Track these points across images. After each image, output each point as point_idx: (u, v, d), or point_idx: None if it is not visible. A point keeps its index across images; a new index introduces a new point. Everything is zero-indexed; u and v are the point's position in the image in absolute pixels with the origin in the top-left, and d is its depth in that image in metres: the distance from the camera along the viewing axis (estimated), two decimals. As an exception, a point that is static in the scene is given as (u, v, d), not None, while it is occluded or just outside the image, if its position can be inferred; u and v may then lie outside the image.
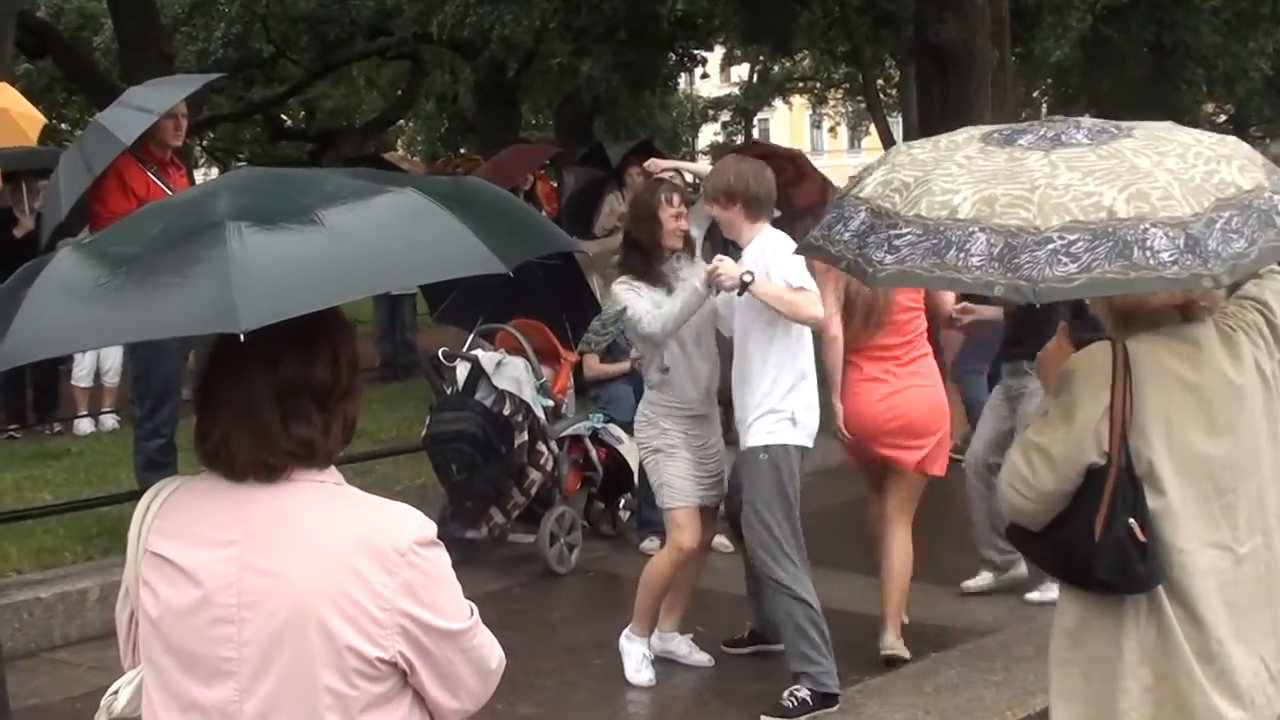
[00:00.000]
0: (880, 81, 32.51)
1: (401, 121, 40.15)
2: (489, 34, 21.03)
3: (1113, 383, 3.81)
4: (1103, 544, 3.82)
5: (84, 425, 13.51)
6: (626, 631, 7.38)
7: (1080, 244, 3.33)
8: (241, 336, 2.37)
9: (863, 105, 41.59)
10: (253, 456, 2.68)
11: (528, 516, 9.38)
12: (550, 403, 9.50)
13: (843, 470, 10.68)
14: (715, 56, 36.99)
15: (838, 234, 3.76)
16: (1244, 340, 3.93)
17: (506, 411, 9.12)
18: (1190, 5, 21.52)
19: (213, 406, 2.72)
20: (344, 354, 2.77)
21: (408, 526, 2.70)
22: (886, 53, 26.35)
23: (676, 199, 7.21)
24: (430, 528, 2.73)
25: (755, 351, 6.87)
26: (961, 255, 3.41)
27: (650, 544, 9.41)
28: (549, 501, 9.46)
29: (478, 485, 9.17)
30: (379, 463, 11.18)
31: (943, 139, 3.93)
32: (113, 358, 13.11)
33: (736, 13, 23.37)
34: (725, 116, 52.01)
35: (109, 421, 13.58)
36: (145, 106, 8.43)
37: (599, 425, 9.97)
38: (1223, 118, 38.04)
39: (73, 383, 13.51)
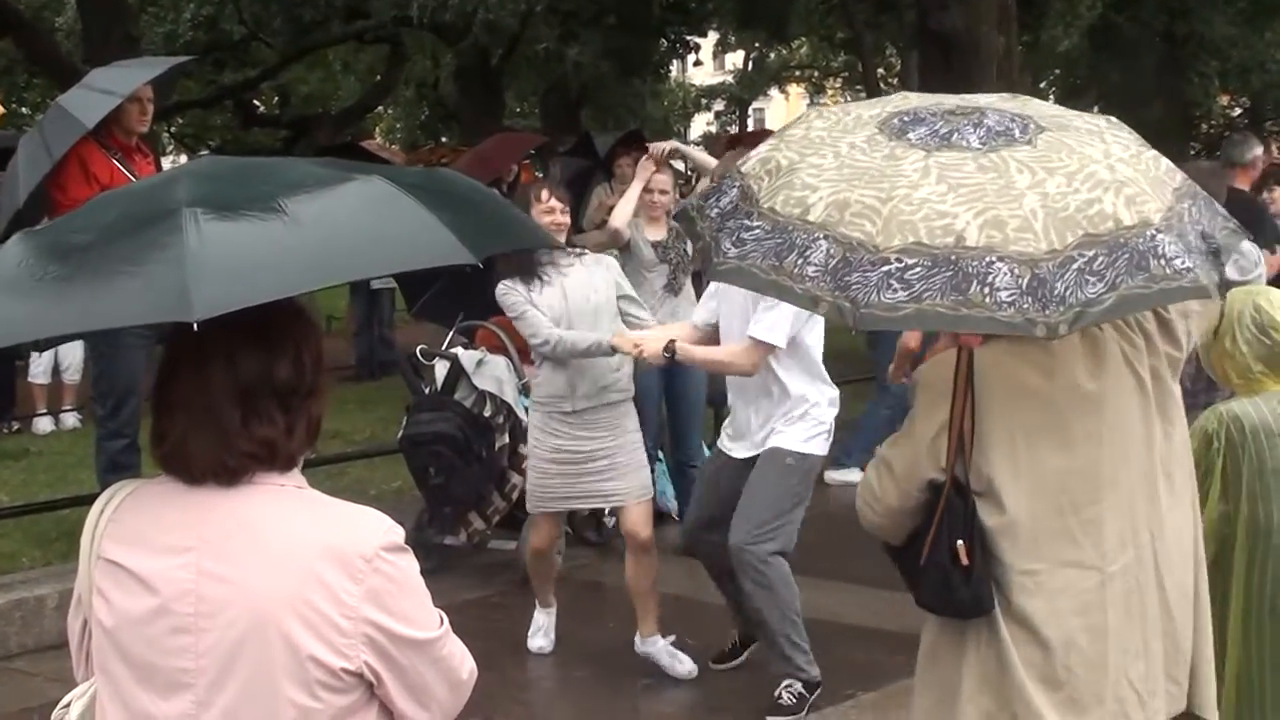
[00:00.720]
0: (881, 70, 32.64)
1: (380, 108, 40.14)
2: (472, 18, 20.98)
3: (953, 395, 3.68)
4: (926, 566, 3.74)
5: (43, 424, 13.51)
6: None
7: (917, 270, 3.16)
8: (195, 326, 2.34)
9: (863, 95, 41.67)
10: (212, 458, 2.67)
11: (509, 522, 9.36)
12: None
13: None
14: (709, 43, 37.09)
15: (710, 207, 3.62)
16: (1112, 340, 3.76)
17: (487, 412, 9.12)
18: (1205, -7, 21.55)
19: (170, 406, 2.71)
20: (308, 351, 2.76)
21: (374, 531, 2.70)
22: (887, 40, 26.44)
23: (545, 194, 7.45)
24: (398, 532, 2.73)
25: (785, 359, 6.92)
26: (800, 262, 3.28)
27: (636, 552, 9.43)
28: (531, 507, 9.45)
29: (456, 489, 9.16)
30: (352, 465, 11.20)
31: (853, 110, 3.77)
32: (72, 354, 13.08)
33: (732, -3, 23.42)
34: (719, 106, 52.16)
35: (69, 420, 13.58)
36: (109, 89, 8.41)
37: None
38: (1237, 111, 38.10)
39: (30, 379, 13.49)
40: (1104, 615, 3.70)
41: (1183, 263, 3.24)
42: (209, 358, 2.65)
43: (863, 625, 7.85)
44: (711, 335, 7.05)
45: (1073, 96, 35.35)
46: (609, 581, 8.96)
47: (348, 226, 2.60)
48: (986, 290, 3.11)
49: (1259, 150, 11.11)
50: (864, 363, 12.87)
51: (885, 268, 3.16)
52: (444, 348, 9.49)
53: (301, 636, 2.62)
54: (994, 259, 3.14)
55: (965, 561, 3.66)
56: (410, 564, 2.74)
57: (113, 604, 2.71)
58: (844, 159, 3.45)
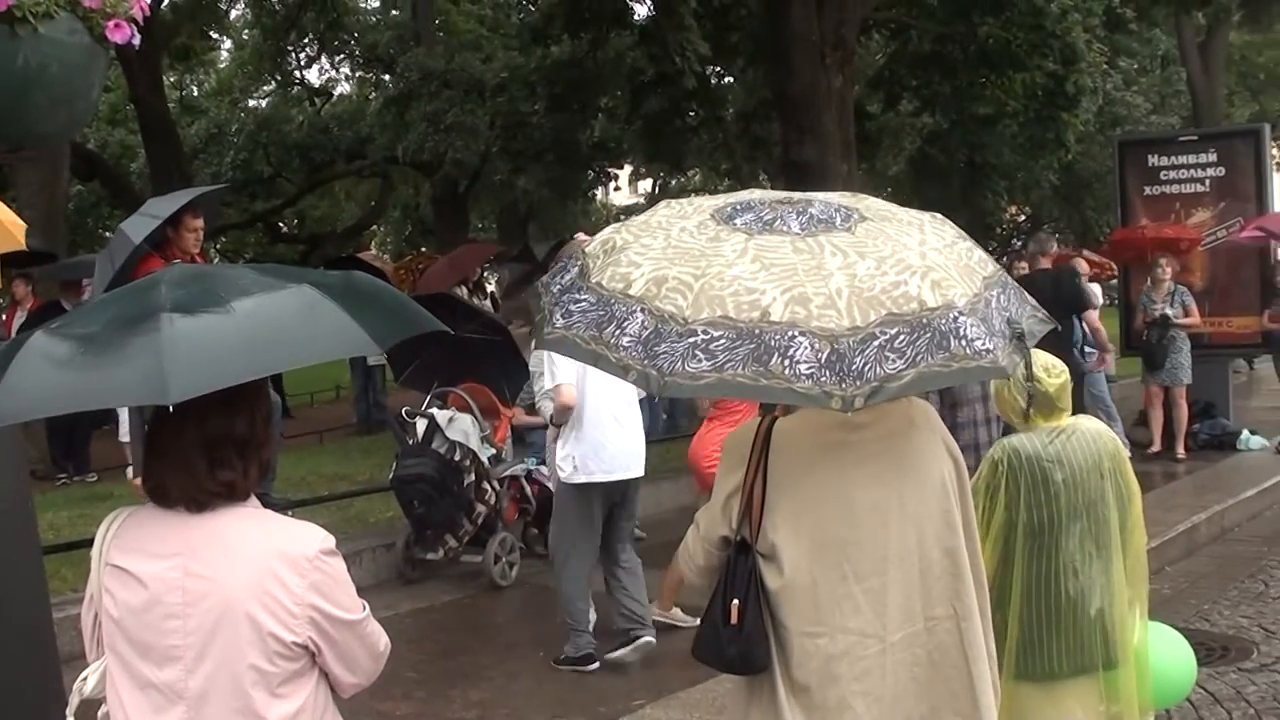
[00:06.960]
0: (755, 192, 32.72)
1: (374, 227, 40.05)
2: (444, 157, 21.07)
3: (749, 461, 3.15)
4: (703, 620, 3.22)
5: (128, 473, 13.39)
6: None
7: (722, 341, 2.68)
8: (170, 407, 2.38)
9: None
10: (186, 495, 2.74)
11: (476, 541, 9.39)
12: (493, 450, 9.49)
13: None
14: (625, 173, 37.27)
15: (554, 283, 3.08)
16: (921, 413, 3.26)
17: (457, 458, 9.12)
18: (994, 132, 21.90)
19: (155, 453, 2.77)
20: (260, 411, 2.81)
21: (314, 538, 2.78)
22: (760, 169, 26.66)
23: None
24: (330, 540, 2.80)
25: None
26: (617, 333, 2.79)
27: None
28: (493, 529, 9.48)
29: (435, 517, 9.16)
30: (356, 500, 11.15)
31: (698, 201, 3.26)
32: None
33: (641, 139, 23.69)
34: (634, 220, 52.28)
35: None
36: (155, 214, 8.38)
37: (532, 467, 10.02)
38: (1022, 217, 38.91)
39: (119, 439, 13.35)
40: (882, 682, 3.10)
41: (983, 344, 2.77)
42: (183, 416, 2.69)
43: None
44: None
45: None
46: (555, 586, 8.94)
47: (285, 327, 2.62)
48: (787, 363, 2.65)
49: (1054, 245, 13.60)
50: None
51: (692, 339, 2.70)
52: (423, 409, 9.50)
53: (263, 617, 2.70)
54: (796, 333, 2.68)
55: (735, 620, 3.10)
56: (340, 563, 2.82)
57: (118, 599, 2.77)
58: (672, 240, 2.96)
